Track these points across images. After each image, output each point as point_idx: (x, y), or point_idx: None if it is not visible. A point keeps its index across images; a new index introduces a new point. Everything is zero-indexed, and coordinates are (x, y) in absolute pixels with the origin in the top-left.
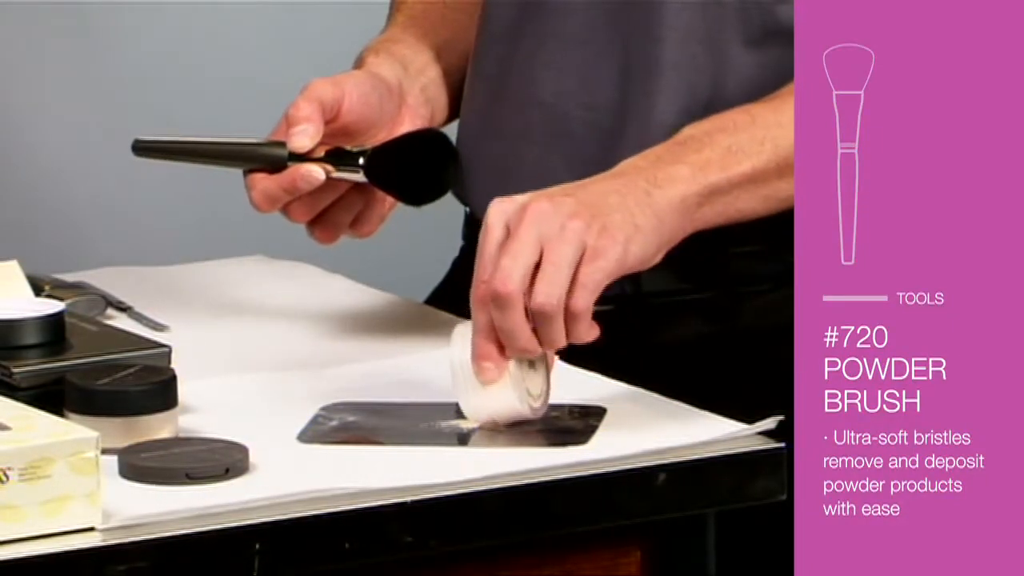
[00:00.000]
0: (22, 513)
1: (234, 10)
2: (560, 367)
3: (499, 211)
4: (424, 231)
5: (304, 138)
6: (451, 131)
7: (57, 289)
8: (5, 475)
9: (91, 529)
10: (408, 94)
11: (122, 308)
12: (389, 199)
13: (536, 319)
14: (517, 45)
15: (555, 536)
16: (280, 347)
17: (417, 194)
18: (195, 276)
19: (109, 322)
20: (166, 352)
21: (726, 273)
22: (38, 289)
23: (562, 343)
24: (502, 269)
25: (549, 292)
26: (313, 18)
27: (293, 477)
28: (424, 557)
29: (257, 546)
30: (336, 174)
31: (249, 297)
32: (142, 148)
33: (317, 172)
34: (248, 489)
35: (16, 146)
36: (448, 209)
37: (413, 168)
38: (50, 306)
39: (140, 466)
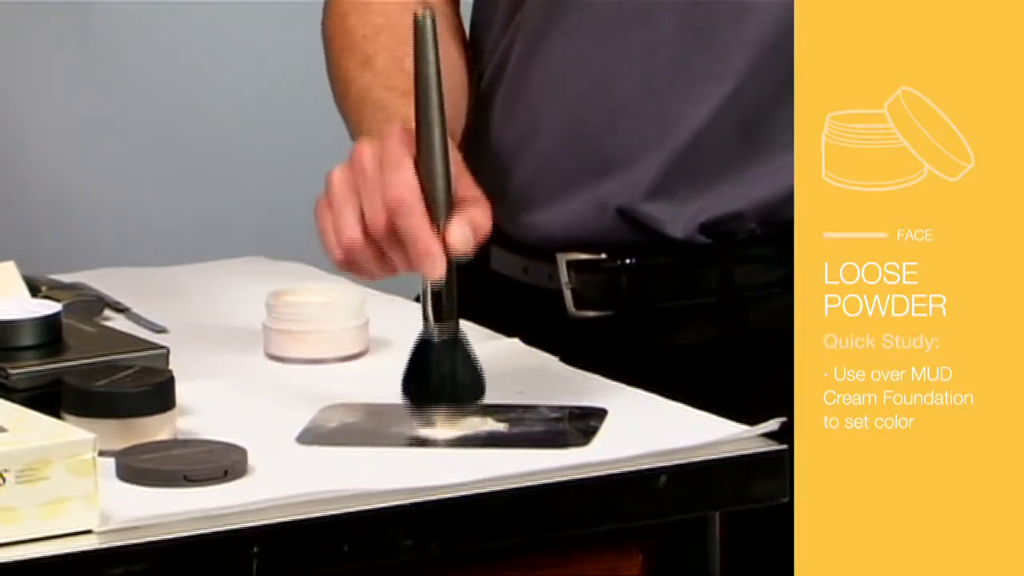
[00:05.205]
0: (19, 515)
1: (235, 10)
2: (561, 369)
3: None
4: None
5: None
6: None
7: (54, 290)
8: (2, 477)
9: (89, 531)
10: None
11: (120, 309)
12: None
13: None
14: (541, 42)
15: (556, 538)
16: None
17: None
18: (195, 276)
19: (107, 323)
20: (164, 353)
21: (730, 279)
22: (35, 290)
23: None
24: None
25: None
26: (314, 19)
27: (292, 479)
28: (424, 560)
29: (256, 549)
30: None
31: (249, 297)
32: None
33: None
34: (247, 491)
35: (15, 146)
36: None
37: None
38: (47, 307)
39: (138, 468)
